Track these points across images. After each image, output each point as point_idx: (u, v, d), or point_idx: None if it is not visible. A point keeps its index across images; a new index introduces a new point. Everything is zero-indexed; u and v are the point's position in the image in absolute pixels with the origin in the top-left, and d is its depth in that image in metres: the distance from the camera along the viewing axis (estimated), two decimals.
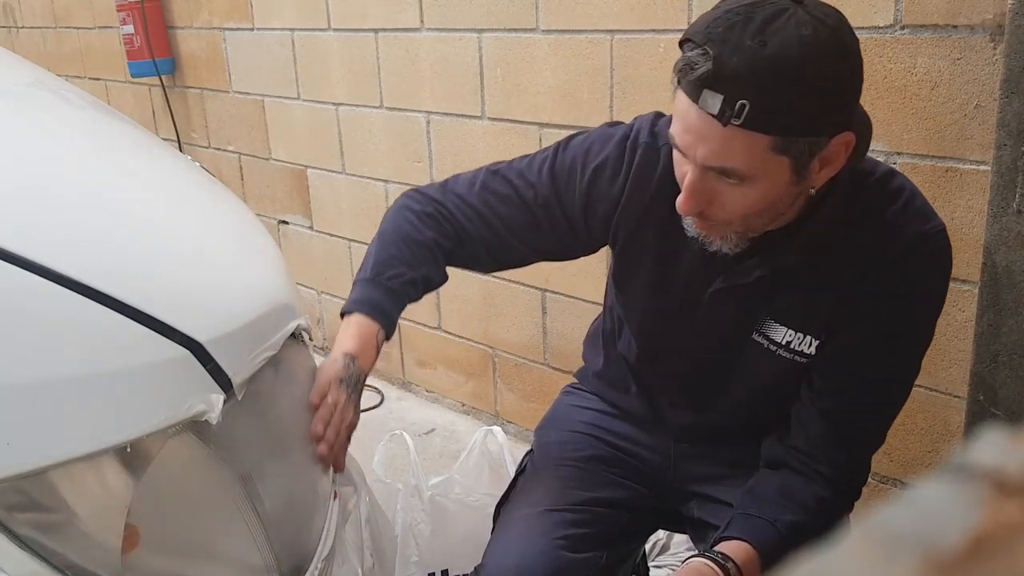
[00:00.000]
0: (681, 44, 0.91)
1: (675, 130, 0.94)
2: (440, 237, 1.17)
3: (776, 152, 0.89)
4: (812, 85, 0.87)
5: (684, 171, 0.95)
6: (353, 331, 1.13)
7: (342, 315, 1.16)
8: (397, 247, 1.16)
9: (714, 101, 0.87)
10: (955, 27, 1.38)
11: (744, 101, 0.85)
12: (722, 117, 0.87)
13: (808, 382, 1.08)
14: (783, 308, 1.06)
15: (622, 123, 1.16)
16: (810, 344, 1.06)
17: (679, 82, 0.91)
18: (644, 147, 1.10)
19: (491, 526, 1.26)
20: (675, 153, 0.98)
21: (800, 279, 1.04)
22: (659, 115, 1.14)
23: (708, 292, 1.08)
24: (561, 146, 1.17)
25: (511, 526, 1.20)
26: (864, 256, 1.01)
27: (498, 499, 1.30)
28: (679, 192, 1.03)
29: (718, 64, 0.85)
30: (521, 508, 1.21)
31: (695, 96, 0.88)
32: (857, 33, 0.93)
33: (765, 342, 1.08)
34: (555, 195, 1.14)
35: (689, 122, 0.91)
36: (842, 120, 0.92)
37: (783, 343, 1.07)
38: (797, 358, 1.07)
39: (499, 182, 1.17)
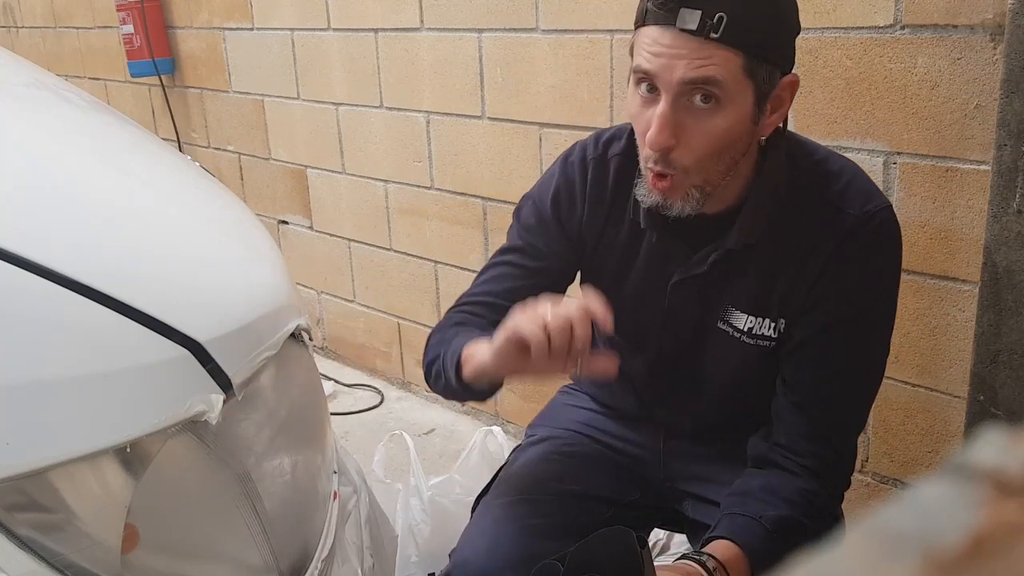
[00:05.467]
0: None
1: (642, 60, 0.96)
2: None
3: (746, 74, 0.94)
4: (778, 10, 0.96)
5: (648, 116, 0.98)
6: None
7: (459, 368, 1.08)
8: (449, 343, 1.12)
9: (692, 16, 0.92)
10: (955, 27, 1.38)
11: (722, 14, 0.91)
12: (702, 31, 0.91)
13: (782, 377, 1.10)
14: (740, 295, 1.09)
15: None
16: (770, 327, 1.08)
17: (646, 15, 0.95)
18: (594, 162, 1.14)
19: None
20: (634, 102, 1.00)
21: (754, 265, 1.07)
22: (600, 132, 1.18)
23: (669, 286, 1.11)
24: (518, 209, 1.22)
25: (485, 514, 1.21)
26: (809, 239, 1.04)
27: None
28: (631, 198, 1.09)
29: None
30: (497, 498, 1.22)
31: (671, 19, 0.93)
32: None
33: (729, 329, 1.11)
34: (531, 243, 1.18)
35: (663, 47, 0.94)
36: (792, 58, 1.00)
37: (745, 329, 1.10)
38: (761, 343, 1.09)
39: (491, 269, 1.20)
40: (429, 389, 1.17)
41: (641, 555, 0.94)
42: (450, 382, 1.09)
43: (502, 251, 1.21)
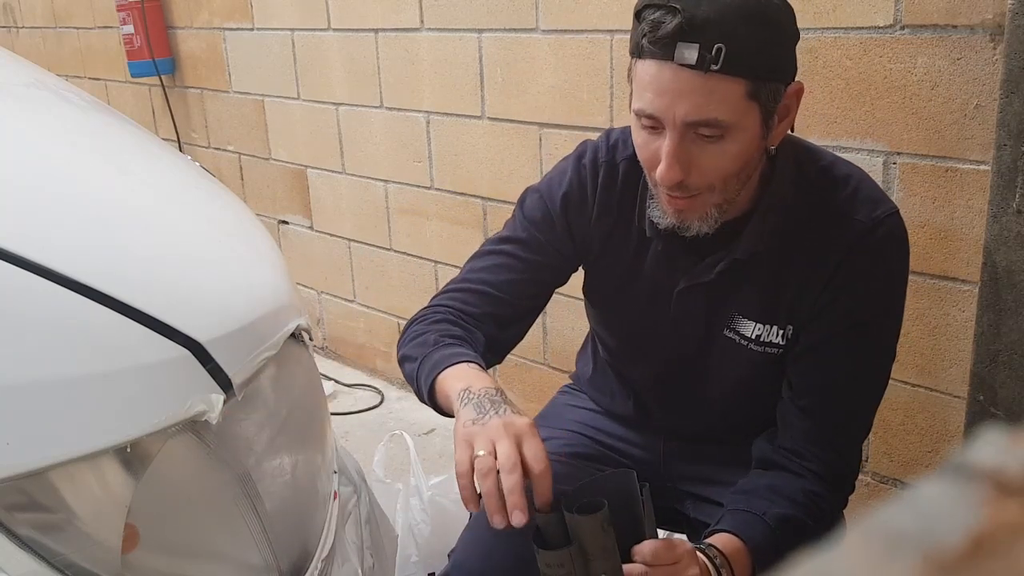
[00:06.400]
0: (638, 14, 0.94)
1: (644, 100, 0.94)
2: (453, 332, 1.11)
3: (750, 99, 0.93)
4: (774, 27, 0.93)
5: (655, 148, 0.96)
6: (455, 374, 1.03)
7: (431, 391, 1.05)
8: (424, 348, 1.09)
9: (691, 52, 0.89)
10: (955, 27, 1.38)
11: (720, 45, 0.88)
12: (702, 65, 0.89)
13: (788, 381, 1.10)
14: (748, 302, 1.08)
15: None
16: (778, 334, 1.08)
17: (641, 50, 0.93)
18: (606, 165, 1.13)
19: None
20: (639, 134, 0.99)
21: (761, 272, 1.06)
22: (609, 132, 1.16)
23: (675, 293, 1.10)
24: (522, 200, 1.19)
25: (483, 515, 1.20)
26: (818, 245, 1.04)
27: None
28: (639, 201, 1.08)
29: (688, 15, 0.89)
30: None
31: (668, 54, 0.90)
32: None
33: (736, 337, 1.10)
34: (535, 236, 1.15)
35: (663, 84, 0.92)
36: (794, 67, 0.98)
37: (753, 337, 1.09)
38: (768, 350, 1.09)
39: (488, 257, 1.18)
40: None
41: (641, 496, 0.96)
42: (421, 395, 1.08)
43: (501, 240, 1.18)
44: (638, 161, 1.10)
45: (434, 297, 1.19)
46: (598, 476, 1.00)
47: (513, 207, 1.21)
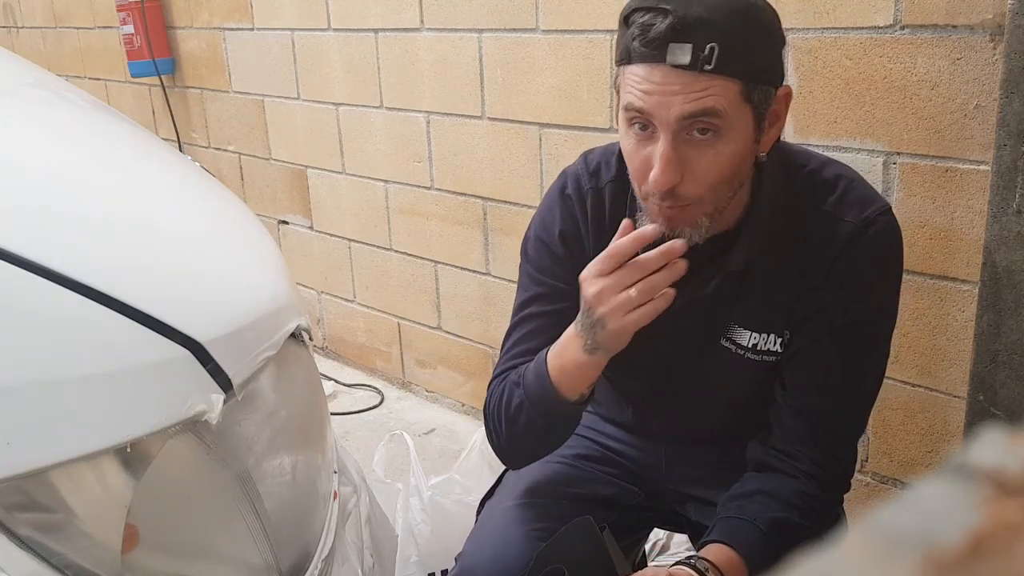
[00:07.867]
0: (626, 19, 0.92)
1: (633, 98, 0.92)
2: None
3: (744, 100, 0.91)
4: (765, 28, 0.93)
5: (645, 154, 0.94)
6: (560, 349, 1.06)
7: (553, 389, 1.06)
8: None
9: (683, 51, 0.88)
10: (955, 27, 1.38)
11: (713, 44, 0.87)
12: (695, 65, 0.88)
13: (781, 382, 1.09)
14: (745, 312, 1.08)
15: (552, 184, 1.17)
16: (775, 342, 1.08)
17: (631, 54, 0.91)
18: (591, 192, 1.11)
19: None
20: (628, 139, 0.96)
21: (756, 281, 1.05)
22: (587, 155, 1.14)
23: (671, 309, 1.07)
24: (524, 250, 1.17)
25: (491, 518, 1.20)
26: (810, 249, 1.03)
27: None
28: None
29: (679, 15, 0.87)
30: (502, 501, 1.22)
31: (659, 56, 0.89)
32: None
33: (733, 347, 1.10)
34: (553, 284, 1.13)
35: (654, 84, 0.90)
36: (782, 71, 0.97)
37: (750, 346, 1.08)
38: (765, 358, 1.08)
39: (520, 328, 1.16)
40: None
41: (603, 538, 0.96)
42: (546, 406, 1.06)
43: (521, 306, 1.15)
44: (623, 182, 1.08)
45: (490, 385, 1.18)
46: (558, 534, 1.00)
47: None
